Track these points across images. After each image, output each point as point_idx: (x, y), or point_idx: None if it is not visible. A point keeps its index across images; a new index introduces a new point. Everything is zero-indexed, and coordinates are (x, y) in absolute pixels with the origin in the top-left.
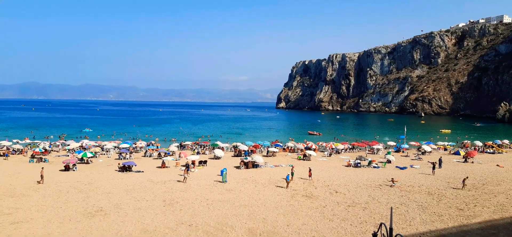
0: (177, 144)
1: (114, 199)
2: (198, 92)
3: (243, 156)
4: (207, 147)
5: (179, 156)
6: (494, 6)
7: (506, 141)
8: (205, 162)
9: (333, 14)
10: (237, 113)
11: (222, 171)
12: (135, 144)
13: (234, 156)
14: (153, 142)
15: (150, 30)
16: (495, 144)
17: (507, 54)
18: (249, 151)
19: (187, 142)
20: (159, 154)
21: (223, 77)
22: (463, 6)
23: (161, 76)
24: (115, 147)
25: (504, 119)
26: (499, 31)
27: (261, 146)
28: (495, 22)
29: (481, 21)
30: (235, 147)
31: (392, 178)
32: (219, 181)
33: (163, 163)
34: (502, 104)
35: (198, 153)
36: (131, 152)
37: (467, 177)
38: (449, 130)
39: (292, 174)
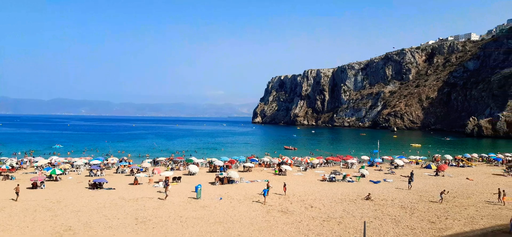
0: (150, 160)
1: (83, 217)
2: (174, 107)
3: (218, 171)
4: (181, 163)
5: (153, 173)
6: (462, 24)
7: (475, 155)
8: (179, 178)
9: (309, 30)
10: (213, 128)
11: (196, 188)
12: (107, 160)
13: (209, 171)
14: (125, 158)
15: (125, 44)
16: (465, 157)
17: (475, 71)
18: (225, 166)
19: (160, 158)
20: (132, 170)
21: (200, 92)
22: (433, 24)
23: (136, 91)
24: (85, 163)
25: (473, 134)
26: (467, 48)
27: (237, 161)
28: (463, 39)
29: (450, 38)
30: (210, 162)
31: (369, 194)
32: (194, 198)
33: (136, 179)
34: (471, 119)
35: (172, 169)
36: (102, 169)
37: (444, 190)
38: (419, 145)
39: (268, 188)
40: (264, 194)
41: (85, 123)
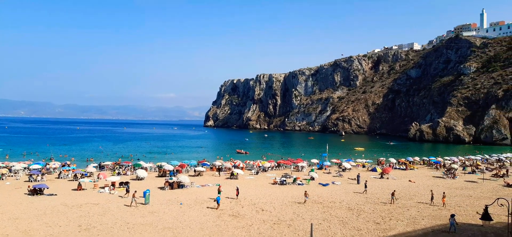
0: (95, 164)
1: (22, 225)
2: (121, 109)
3: (168, 176)
4: (129, 168)
5: (98, 177)
6: (405, 34)
7: (417, 158)
8: (126, 183)
9: (260, 34)
10: (163, 131)
11: (144, 193)
12: (48, 164)
13: (159, 176)
14: (68, 162)
15: (68, 42)
16: (407, 161)
17: (417, 78)
18: (175, 171)
19: (106, 162)
20: (75, 175)
21: (149, 94)
22: (379, 33)
23: (80, 92)
24: (24, 168)
25: (415, 138)
26: (410, 57)
27: (188, 165)
28: (407, 48)
29: (394, 47)
30: (160, 167)
31: (305, 192)
32: (142, 203)
33: (80, 185)
34: (413, 124)
35: (118, 174)
36: (43, 174)
37: (394, 191)
38: (363, 148)
39: (219, 193)
40: (217, 202)
41: (25, 126)
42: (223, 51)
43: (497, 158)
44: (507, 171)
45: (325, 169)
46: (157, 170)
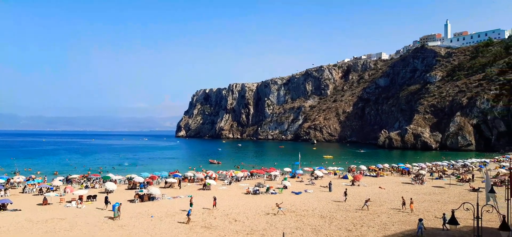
0: (62, 178)
1: None
2: (90, 120)
3: (138, 188)
4: (97, 180)
5: (65, 191)
6: (374, 44)
7: (386, 165)
8: (94, 196)
9: (232, 44)
10: (133, 142)
11: (114, 206)
12: (12, 179)
13: (128, 189)
14: (33, 176)
15: (34, 50)
16: (377, 168)
17: (386, 87)
18: (145, 183)
19: (74, 175)
20: (41, 189)
21: (119, 104)
22: (348, 43)
23: (47, 103)
24: None
25: (384, 145)
26: (379, 66)
27: (159, 177)
28: (375, 58)
29: (363, 57)
30: (130, 179)
31: (276, 203)
32: (111, 217)
33: (45, 199)
34: (382, 132)
35: (86, 187)
36: (6, 189)
37: (369, 199)
38: (332, 156)
39: (191, 204)
40: (188, 214)
41: None
42: (195, 60)
43: (463, 163)
44: (472, 176)
45: (298, 177)
46: (127, 182)
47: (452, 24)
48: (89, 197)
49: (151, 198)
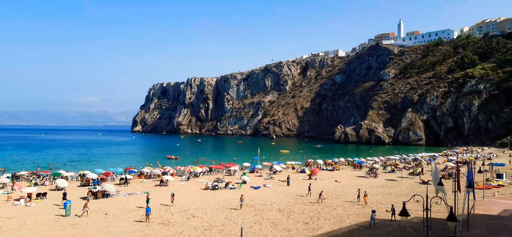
0: (8, 174)
1: None
2: (38, 114)
3: (91, 185)
4: (47, 177)
5: (12, 189)
6: (331, 41)
7: (342, 159)
8: (44, 194)
9: (191, 37)
10: (85, 137)
11: (65, 204)
12: None
13: (81, 185)
14: None
15: None
16: (334, 162)
17: (342, 84)
18: (99, 179)
19: (22, 172)
20: None
21: (70, 98)
22: (306, 40)
23: None
24: None
25: (341, 140)
26: (335, 63)
27: (113, 173)
28: (332, 55)
29: (321, 54)
30: (82, 175)
31: (241, 196)
32: (62, 215)
33: None
34: (338, 127)
35: (36, 184)
36: None
37: (322, 191)
38: (288, 151)
39: (148, 201)
40: (147, 213)
41: None
42: (152, 53)
43: (414, 157)
44: (422, 169)
45: (257, 172)
46: (80, 179)
47: (405, 24)
48: (38, 194)
49: (105, 195)
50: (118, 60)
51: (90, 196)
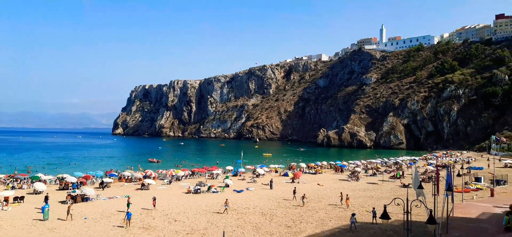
0: None
1: None
2: (17, 117)
3: (70, 189)
4: (25, 180)
5: None
6: (314, 45)
7: (325, 163)
8: (22, 198)
9: (174, 40)
10: (65, 140)
11: (43, 208)
12: None
13: (60, 189)
14: None
15: None
16: (316, 165)
17: (325, 88)
18: (78, 183)
19: None
20: None
21: (51, 99)
22: (290, 43)
23: None
24: None
25: (323, 143)
26: (319, 67)
27: (93, 176)
28: (315, 59)
29: (304, 58)
30: (61, 179)
31: (226, 200)
32: (40, 220)
33: None
34: (321, 130)
35: (13, 188)
36: None
37: (305, 195)
38: (270, 154)
39: (128, 205)
40: (127, 218)
41: None
42: (134, 54)
43: (395, 161)
44: (403, 172)
45: (240, 175)
46: (58, 182)
47: (387, 29)
48: (16, 198)
49: (84, 199)
50: (99, 61)
51: (69, 200)
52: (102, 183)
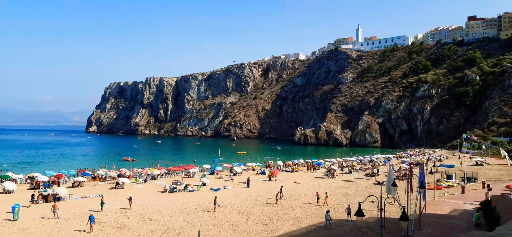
0: None
1: None
2: None
3: (42, 188)
4: None
5: None
6: (292, 44)
7: (302, 161)
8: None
9: (151, 35)
10: (37, 138)
11: (13, 208)
12: None
13: (31, 188)
14: None
15: None
16: (293, 163)
17: (302, 86)
18: (50, 182)
19: None
20: None
21: (21, 96)
22: (268, 42)
23: None
24: None
25: (300, 142)
26: (296, 66)
27: (66, 175)
28: (293, 58)
29: (282, 56)
30: (32, 178)
31: (215, 197)
32: (10, 220)
33: None
34: (298, 129)
35: None
36: None
37: (278, 193)
38: (245, 152)
39: (102, 204)
40: (90, 222)
41: None
42: (109, 51)
43: (369, 159)
44: (377, 170)
45: (217, 174)
46: (29, 181)
47: (363, 29)
48: None
49: (56, 198)
50: (73, 57)
51: (41, 200)
52: (119, 178)
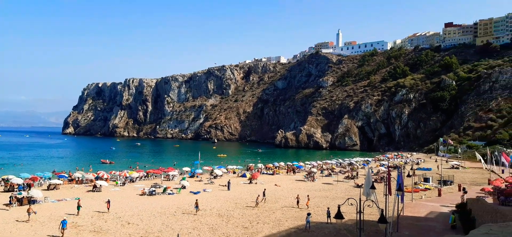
0: None
1: None
2: None
3: (16, 191)
4: None
5: None
6: (273, 47)
7: (282, 164)
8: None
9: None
10: (11, 139)
11: None
12: None
13: (5, 191)
14: None
15: None
16: (274, 166)
17: (283, 89)
18: (25, 184)
19: None
20: None
21: None
22: (250, 45)
23: None
24: None
25: (281, 145)
26: (277, 69)
27: (41, 178)
28: (274, 61)
29: (263, 59)
30: (6, 180)
31: (196, 200)
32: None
33: None
34: (279, 132)
35: None
36: None
37: (259, 196)
38: (225, 155)
39: (79, 207)
40: (63, 227)
41: None
42: (87, 51)
43: (349, 162)
44: (357, 173)
45: (197, 177)
46: (3, 184)
47: (343, 34)
48: None
49: (31, 201)
50: (49, 56)
51: (15, 203)
52: (97, 181)
